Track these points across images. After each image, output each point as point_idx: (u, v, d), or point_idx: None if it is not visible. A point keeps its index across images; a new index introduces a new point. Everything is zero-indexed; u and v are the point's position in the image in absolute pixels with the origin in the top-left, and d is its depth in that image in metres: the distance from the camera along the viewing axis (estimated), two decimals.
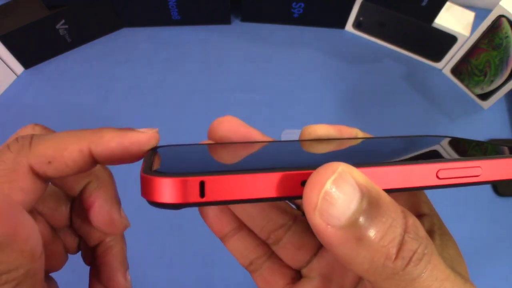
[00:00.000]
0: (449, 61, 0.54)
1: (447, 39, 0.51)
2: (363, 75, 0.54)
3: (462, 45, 0.51)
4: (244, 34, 0.56)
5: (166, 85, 0.51)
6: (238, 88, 0.51)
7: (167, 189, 0.12)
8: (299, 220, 0.19)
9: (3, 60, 0.48)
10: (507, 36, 0.45)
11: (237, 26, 0.57)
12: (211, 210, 0.19)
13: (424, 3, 0.49)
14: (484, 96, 0.51)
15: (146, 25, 0.55)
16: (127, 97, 0.49)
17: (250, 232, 0.19)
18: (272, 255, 0.19)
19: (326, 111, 0.50)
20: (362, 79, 0.53)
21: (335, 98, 0.51)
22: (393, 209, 0.12)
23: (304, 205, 0.12)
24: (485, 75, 0.50)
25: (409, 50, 0.56)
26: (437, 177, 0.13)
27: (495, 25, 0.46)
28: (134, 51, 0.53)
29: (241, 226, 0.19)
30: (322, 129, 0.17)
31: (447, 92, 0.53)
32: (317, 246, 0.19)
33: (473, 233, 0.42)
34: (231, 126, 0.18)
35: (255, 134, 0.18)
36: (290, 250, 0.19)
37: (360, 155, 0.16)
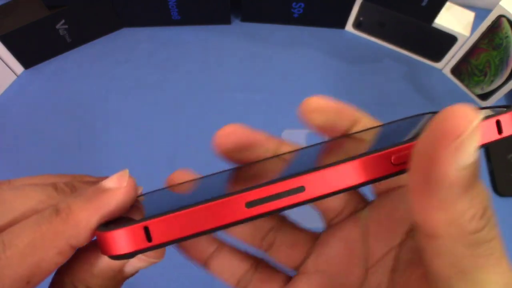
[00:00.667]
0: (449, 61, 0.54)
1: (447, 39, 0.51)
2: (363, 75, 0.54)
3: (462, 45, 0.51)
4: (244, 34, 0.56)
5: (166, 85, 0.51)
6: (238, 88, 0.51)
7: (116, 241, 0.12)
8: (286, 220, 0.19)
9: (3, 60, 0.48)
10: (507, 36, 0.45)
11: (237, 26, 0.57)
12: (187, 242, 0.18)
13: (424, 3, 0.49)
14: (484, 96, 0.51)
15: (146, 25, 0.55)
16: (127, 97, 0.49)
17: (232, 250, 0.19)
18: (258, 265, 0.19)
19: None
20: (362, 79, 0.53)
21: (335, 98, 0.51)
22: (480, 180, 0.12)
23: (429, 135, 0.11)
24: (485, 75, 0.50)
25: (409, 50, 0.56)
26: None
27: (495, 25, 0.46)
28: (134, 51, 0.53)
29: (220, 246, 0.18)
30: (321, 102, 0.18)
31: (447, 92, 0.53)
32: (310, 241, 0.18)
33: None
34: (236, 137, 0.17)
35: (261, 138, 0.18)
36: (284, 251, 0.18)
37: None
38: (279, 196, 0.12)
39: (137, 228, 0.12)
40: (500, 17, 0.45)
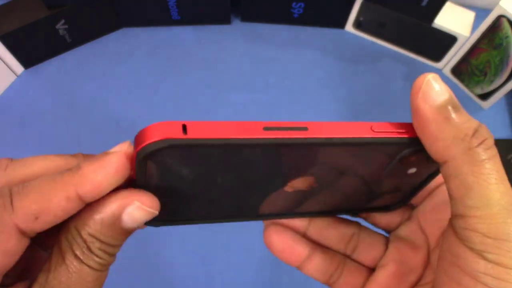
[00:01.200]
0: (449, 61, 0.54)
1: (447, 39, 0.51)
2: (363, 75, 0.54)
3: (462, 45, 0.51)
4: (244, 34, 0.56)
5: (166, 85, 0.51)
6: (238, 88, 0.51)
7: (155, 131, 0.14)
8: (363, 227, 0.22)
9: (3, 60, 0.48)
10: (507, 36, 0.45)
11: (237, 26, 0.57)
12: (284, 245, 0.20)
13: (424, 3, 0.49)
14: (484, 96, 0.51)
15: (146, 25, 0.55)
16: (127, 97, 0.49)
17: (323, 250, 0.21)
18: (346, 260, 0.21)
19: (326, 110, 0.50)
20: (362, 79, 0.53)
21: (335, 98, 0.51)
22: (467, 115, 0.16)
23: (411, 92, 0.16)
24: (485, 75, 0.50)
25: (409, 50, 0.56)
26: None
27: (495, 25, 0.46)
28: (134, 51, 0.53)
29: (314, 248, 0.21)
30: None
31: None
32: (384, 241, 0.22)
33: None
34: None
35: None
36: (367, 251, 0.21)
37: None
38: (289, 128, 0.15)
39: (177, 124, 0.14)
40: (500, 17, 0.45)
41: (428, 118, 0.15)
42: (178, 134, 0.14)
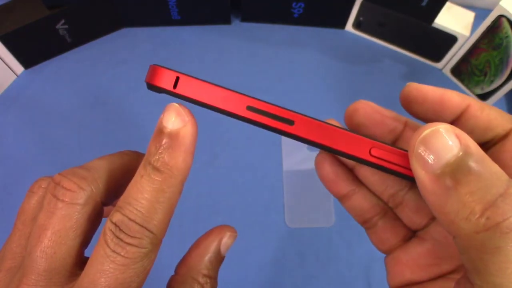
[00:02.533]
0: (449, 61, 0.54)
1: (447, 39, 0.51)
2: (363, 75, 0.54)
3: (462, 45, 0.51)
4: (244, 34, 0.56)
5: None
6: (238, 88, 0.51)
7: (154, 73, 0.16)
8: (415, 187, 0.20)
9: (3, 60, 0.48)
10: (507, 36, 0.45)
11: (237, 26, 0.57)
12: (328, 175, 0.20)
13: (424, 3, 0.49)
14: (484, 96, 0.51)
15: (146, 25, 0.55)
16: (127, 97, 0.49)
17: (367, 193, 0.20)
18: (386, 214, 0.20)
19: (326, 110, 0.50)
20: (362, 79, 0.53)
21: (335, 98, 0.51)
22: (495, 175, 0.12)
23: (408, 153, 0.14)
24: (485, 75, 0.50)
25: (409, 50, 0.56)
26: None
27: (495, 25, 0.46)
28: (134, 51, 0.53)
29: (359, 187, 0.20)
30: (422, 91, 0.17)
31: None
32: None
33: None
34: (366, 113, 0.18)
35: (389, 117, 0.18)
36: (408, 213, 0.20)
37: None
38: (273, 117, 0.15)
39: (173, 74, 0.16)
40: (500, 17, 0.45)
41: (425, 188, 0.13)
42: (169, 86, 0.16)
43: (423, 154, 0.13)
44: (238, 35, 0.56)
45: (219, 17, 0.55)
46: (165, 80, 0.16)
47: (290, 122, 0.15)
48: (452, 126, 0.13)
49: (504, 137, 0.16)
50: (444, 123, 0.13)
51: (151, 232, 0.15)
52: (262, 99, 0.15)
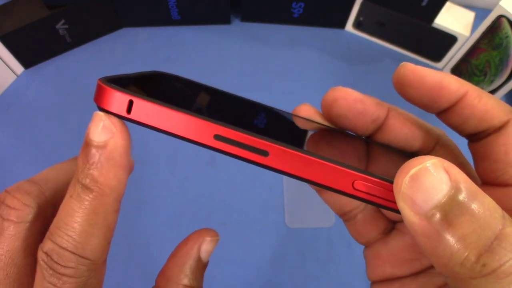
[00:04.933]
0: (449, 61, 0.54)
1: (447, 39, 0.51)
2: (363, 75, 0.54)
3: (462, 45, 0.51)
4: (244, 34, 0.56)
5: None
6: (238, 88, 0.51)
7: (104, 95, 0.14)
8: None
9: (3, 60, 0.48)
10: (507, 36, 0.45)
11: (237, 26, 0.57)
12: None
13: (424, 3, 0.49)
14: None
15: (146, 25, 0.55)
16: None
17: None
18: (366, 207, 0.19)
19: None
20: (362, 79, 0.53)
21: None
22: (489, 212, 0.11)
23: (394, 191, 0.12)
24: (485, 75, 0.50)
25: (409, 50, 0.56)
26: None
27: (495, 25, 0.46)
28: (134, 51, 0.53)
29: None
30: (418, 73, 0.16)
31: None
32: None
33: None
34: (347, 104, 0.17)
35: (371, 108, 0.17)
36: None
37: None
38: (244, 147, 0.13)
39: (125, 97, 0.14)
40: (500, 17, 0.45)
41: (414, 230, 0.12)
42: (122, 111, 0.14)
43: (410, 194, 0.11)
44: (238, 35, 0.56)
45: (219, 17, 0.55)
46: (116, 104, 0.14)
47: (264, 153, 0.13)
48: (440, 160, 0.12)
49: (499, 128, 0.15)
50: (432, 156, 0.12)
51: (87, 258, 0.14)
52: (232, 125, 0.13)
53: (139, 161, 0.44)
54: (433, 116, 0.17)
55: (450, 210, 0.11)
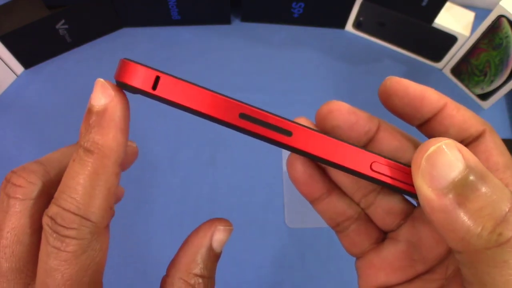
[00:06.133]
0: (449, 61, 0.54)
1: (447, 39, 0.51)
2: (363, 75, 0.54)
3: (462, 45, 0.51)
4: (244, 34, 0.56)
5: None
6: (238, 88, 0.51)
7: (130, 71, 0.14)
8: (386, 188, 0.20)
9: (3, 60, 0.48)
10: (507, 36, 0.45)
11: (237, 26, 0.57)
12: (302, 176, 0.19)
13: (424, 3, 0.49)
14: (484, 96, 0.51)
15: (146, 25, 0.55)
16: (127, 97, 0.49)
17: (340, 195, 0.19)
18: (359, 217, 0.20)
19: None
20: (362, 79, 0.53)
21: (335, 98, 0.51)
22: (500, 189, 0.12)
23: (412, 168, 0.13)
24: (485, 75, 0.50)
25: (409, 50, 0.56)
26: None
27: (495, 25, 0.46)
28: (134, 51, 0.53)
29: (331, 189, 0.19)
30: (402, 85, 0.17)
31: (447, 92, 0.53)
32: (406, 212, 0.19)
33: None
34: (341, 115, 0.17)
35: (363, 121, 0.18)
36: (380, 214, 0.19)
37: None
38: (268, 126, 0.14)
39: (152, 73, 0.14)
40: (500, 17, 0.45)
41: (431, 205, 0.13)
42: (147, 87, 0.14)
43: (429, 170, 0.13)
44: (238, 35, 0.56)
45: (219, 17, 0.55)
46: (142, 79, 0.14)
47: (288, 133, 0.14)
48: (455, 142, 0.13)
49: (476, 138, 0.16)
50: (447, 138, 0.13)
51: (89, 220, 0.14)
52: (257, 106, 0.14)
53: (140, 161, 0.44)
54: (414, 131, 0.18)
55: (466, 185, 0.12)
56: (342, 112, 0.17)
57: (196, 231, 0.17)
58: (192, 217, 0.42)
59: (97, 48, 0.53)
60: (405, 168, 0.14)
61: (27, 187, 0.15)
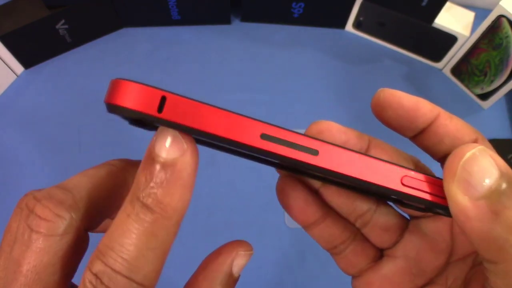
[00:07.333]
0: (449, 61, 0.54)
1: (447, 39, 0.51)
2: (363, 75, 0.54)
3: (462, 45, 0.51)
4: (244, 34, 0.56)
5: (166, 85, 0.50)
6: (238, 88, 0.51)
7: (129, 93, 0.12)
8: (382, 204, 0.19)
9: (3, 60, 0.48)
10: (507, 36, 0.45)
11: (237, 26, 0.57)
12: (295, 203, 0.18)
13: (424, 3, 0.49)
14: (484, 96, 0.51)
15: (146, 25, 0.55)
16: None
17: (335, 217, 0.19)
18: (355, 237, 0.19)
19: (326, 111, 0.50)
20: (362, 79, 0.53)
21: (335, 98, 0.51)
22: None
23: (444, 176, 0.13)
24: (485, 75, 0.50)
25: (409, 50, 0.56)
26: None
27: (495, 25, 0.46)
28: (134, 51, 0.53)
29: (326, 213, 0.19)
30: (395, 97, 0.16)
31: (447, 92, 0.53)
32: (402, 227, 0.19)
33: None
34: (331, 135, 0.17)
35: (353, 137, 0.17)
36: (377, 232, 0.19)
37: None
38: (293, 146, 0.12)
39: (156, 93, 0.12)
40: (500, 17, 0.45)
41: (467, 214, 0.12)
42: (151, 110, 0.12)
43: (465, 178, 0.12)
44: (238, 35, 0.56)
45: (219, 17, 0.55)
46: (144, 101, 0.12)
47: (314, 152, 0.12)
48: (485, 148, 0.13)
49: None
50: (477, 144, 0.13)
51: (141, 284, 0.13)
52: (275, 123, 0.12)
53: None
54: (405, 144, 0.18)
55: (502, 193, 0.12)
56: (332, 132, 0.17)
57: (215, 254, 0.17)
58: (192, 217, 0.42)
59: (97, 48, 0.53)
60: (436, 181, 0.13)
61: (54, 222, 0.14)
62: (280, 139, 0.12)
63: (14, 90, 0.50)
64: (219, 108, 0.12)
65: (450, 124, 0.16)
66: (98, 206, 0.15)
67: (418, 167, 0.18)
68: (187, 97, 0.12)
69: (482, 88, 0.51)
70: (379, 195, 0.16)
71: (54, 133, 0.47)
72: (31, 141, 0.46)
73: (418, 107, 0.16)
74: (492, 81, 0.49)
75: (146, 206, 0.13)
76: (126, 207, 0.13)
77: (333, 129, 0.17)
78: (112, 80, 0.12)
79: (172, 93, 0.12)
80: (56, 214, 0.14)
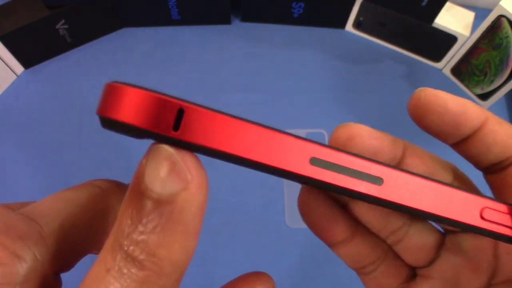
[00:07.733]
0: (449, 61, 0.54)
1: (447, 39, 0.51)
2: (363, 75, 0.54)
3: (462, 45, 0.51)
4: (244, 34, 0.56)
5: (166, 85, 0.51)
6: (238, 88, 0.51)
7: (135, 104, 0.08)
8: (417, 220, 0.17)
9: (3, 60, 0.48)
10: (507, 36, 0.45)
11: (237, 26, 0.57)
12: (322, 220, 0.16)
13: (424, 3, 0.49)
14: (484, 96, 0.51)
15: (146, 25, 0.55)
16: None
17: (365, 234, 0.17)
18: (386, 256, 0.17)
19: (326, 111, 0.50)
20: (362, 79, 0.53)
21: (335, 98, 0.51)
22: None
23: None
24: (485, 75, 0.50)
25: (409, 50, 0.56)
26: None
27: (495, 25, 0.46)
28: (134, 51, 0.53)
29: (355, 230, 0.17)
30: (440, 101, 0.14)
31: (447, 92, 0.53)
32: (439, 244, 0.17)
33: None
34: (363, 142, 0.14)
35: (387, 147, 0.15)
36: (411, 250, 0.17)
37: None
38: (349, 173, 0.10)
39: (171, 104, 0.08)
40: (500, 17, 0.45)
41: None
42: (164, 128, 0.08)
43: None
44: (238, 35, 0.56)
45: (219, 17, 0.55)
46: (156, 116, 0.08)
47: (378, 181, 0.10)
48: None
49: None
50: None
51: None
52: (325, 143, 0.10)
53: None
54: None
55: None
56: (364, 138, 0.14)
57: (235, 284, 0.15)
58: None
59: (97, 48, 0.53)
60: None
61: (10, 265, 0.10)
62: (334, 164, 0.10)
63: (14, 90, 0.50)
64: (255, 123, 0.09)
65: (500, 130, 0.14)
66: (74, 241, 0.11)
67: (457, 176, 0.16)
68: (212, 109, 0.09)
69: (482, 88, 0.51)
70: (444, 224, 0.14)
71: (54, 133, 0.47)
72: (31, 141, 0.46)
73: (466, 111, 0.14)
74: (492, 81, 0.49)
75: (132, 259, 0.09)
76: (106, 258, 0.09)
77: (365, 134, 0.14)
78: (107, 83, 0.09)
79: (192, 103, 0.09)
80: (14, 254, 0.10)
